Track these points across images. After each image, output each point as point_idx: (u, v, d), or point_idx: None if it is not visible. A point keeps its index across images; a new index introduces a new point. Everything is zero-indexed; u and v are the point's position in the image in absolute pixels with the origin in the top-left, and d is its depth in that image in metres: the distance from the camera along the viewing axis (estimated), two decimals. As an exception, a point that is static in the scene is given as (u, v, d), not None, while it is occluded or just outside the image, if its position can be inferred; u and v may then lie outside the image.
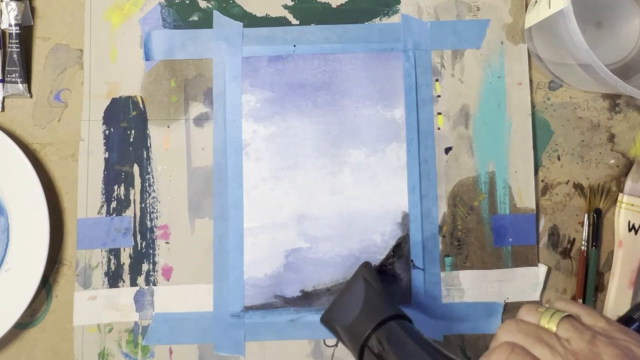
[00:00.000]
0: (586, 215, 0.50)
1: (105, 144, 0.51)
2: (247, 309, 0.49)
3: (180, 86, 0.51)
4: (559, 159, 0.51)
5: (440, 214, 0.50)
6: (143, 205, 0.50)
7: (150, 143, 0.51)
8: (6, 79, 0.50)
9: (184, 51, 0.52)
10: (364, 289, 0.42)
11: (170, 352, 0.49)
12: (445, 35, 0.52)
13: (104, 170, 0.51)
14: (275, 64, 0.51)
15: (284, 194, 0.50)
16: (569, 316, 0.34)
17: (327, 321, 0.44)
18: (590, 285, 0.50)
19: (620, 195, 0.50)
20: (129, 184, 0.51)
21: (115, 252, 0.50)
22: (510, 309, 0.49)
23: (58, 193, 0.51)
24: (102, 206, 0.50)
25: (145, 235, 0.50)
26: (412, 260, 0.50)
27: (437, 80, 0.51)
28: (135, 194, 0.51)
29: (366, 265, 0.44)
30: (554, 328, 0.33)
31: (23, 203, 0.49)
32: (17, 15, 0.50)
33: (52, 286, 0.50)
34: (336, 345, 0.49)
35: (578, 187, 0.51)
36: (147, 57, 0.51)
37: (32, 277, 0.48)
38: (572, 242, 0.51)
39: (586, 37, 0.41)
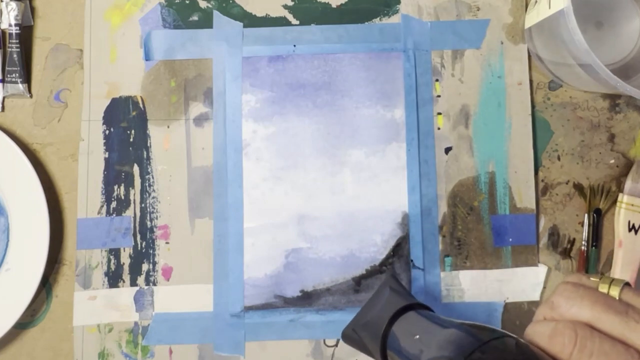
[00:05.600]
0: (586, 215, 0.50)
1: (105, 144, 0.51)
2: (247, 309, 0.49)
3: (180, 86, 0.51)
4: (559, 159, 0.51)
5: (440, 214, 0.50)
6: (143, 205, 0.50)
7: (150, 143, 0.51)
8: (6, 79, 0.51)
9: (184, 51, 0.52)
10: (388, 293, 0.40)
11: (170, 352, 0.49)
12: (445, 35, 0.52)
13: (104, 170, 0.51)
14: (275, 64, 0.51)
15: (284, 194, 0.50)
16: (628, 284, 0.31)
17: (348, 333, 0.41)
18: (590, 285, 0.50)
19: (620, 195, 0.50)
20: (129, 184, 0.51)
21: (115, 252, 0.50)
22: (510, 309, 0.49)
23: (58, 193, 0.51)
24: (102, 206, 0.50)
25: (145, 235, 0.50)
26: (412, 260, 0.50)
27: (437, 80, 0.51)
28: (135, 194, 0.51)
29: (392, 276, 0.42)
30: (616, 295, 0.31)
31: (23, 203, 0.49)
32: (17, 15, 0.50)
33: (52, 286, 0.50)
34: (336, 345, 0.49)
35: (578, 187, 0.51)
36: (147, 57, 0.51)
37: (32, 277, 0.48)
38: (572, 242, 0.51)
39: (586, 37, 0.41)
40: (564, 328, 0.30)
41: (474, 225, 0.50)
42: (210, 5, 0.52)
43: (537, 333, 0.31)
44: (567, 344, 0.30)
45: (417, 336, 0.35)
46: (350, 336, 0.40)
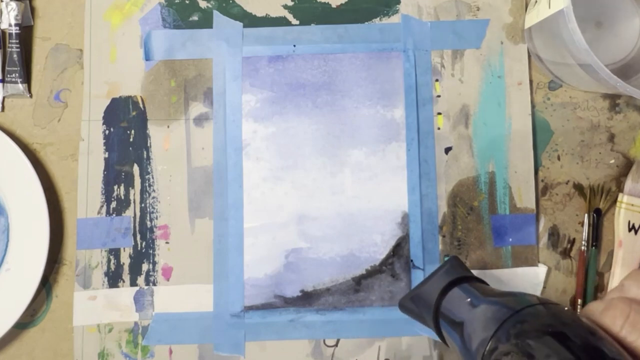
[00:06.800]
0: (586, 215, 0.50)
1: (105, 144, 0.51)
2: (247, 309, 0.49)
3: (180, 86, 0.51)
4: (559, 159, 0.51)
5: (440, 214, 0.50)
6: (143, 205, 0.50)
7: (150, 143, 0.51)
8: (6, 79, 0.51)
9: (184, 51, 0.52)
10: (447, 267, 0.41)
11: (170, 352, 0.49)
12: (445, 35, 0.52)
13: (104, 170, 0.51)
14: (275, 64, 0.51)
15: (284, 194, 0.50)
16: None
17: (404, 303, 0.42)
18: (590, 285, 0.50)
19: (620, 195, 0.50)
20: (129, 184, 0.51)
21: (115, 252, 0.50)
22: (510, 309, 0.49)
23: (58, 193, 0.51)
24: (102, 206, 0.50)
25: (145, 235, 0.50)
26: (412, 260, 0.50)
27: (437, 80, 0.51)
28: (135, 194, 0.51)
29: (455, 257, 0.42)
30: None
31: (23, 203, 0.49)
32: (17, 15, 0.50)
33: (52, 286, 0.50)
34: (336, 345, 0.49)
35: (578, 187, 0.51)
36: (147, 57, 0.51)
37: (32, 277, 0.48)
38: (572, 242, 0.51)
39: (586, 37, 0.41)
40: (618, 302, 0.29)
41: (474, 225, 0.50)
42: (210, 5, 0.52)
43: (592, 309, 0.31)
44: (619, 317, 0.29)
45: (463, 307, 0.37)
46: (407, 306, 0.42)
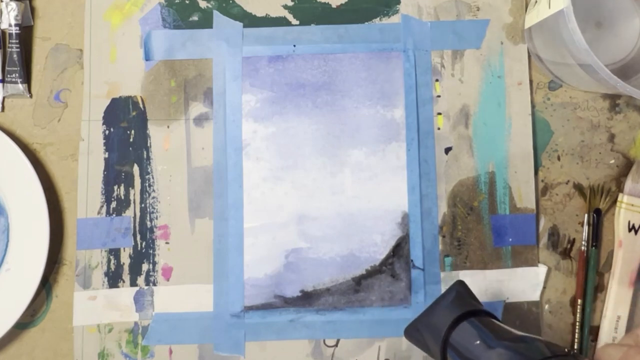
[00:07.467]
0: (586, 215, 0.50)
1: (105, 144, 0.51)
2: (247, 309, 0.49)
3: (180, 86, 0.51)
4: (559, 159, 0.51)
5: (440, 214, 0.50)
6: (143, 205, 0.50)
7: (150, 143, 0.51)
8: (6, 79, 0.51)
9: (184, 51, 0.52)
10: (454, 296, 0.40)
11: (170, 352, 0.49)
12: (445, 35, 0.52)
13: (104, 170, 0.51)
14: (275, 64, 0.51)
15: (284, 194, 0.50)
16: None
17: (411, 331, 0.41)
18: (590, 285, 0.50)
19: (620, 195, 0.50)
20: (129, 184, 0.51)
21: (115, 252, 0.50)
22: (510, 309, 0.49)
23: (58, 193, 0.51)
24: (102, 206, 0.50)
25: (145, 235, 0.50)
26: (412, 260, 0.50)
27: (437, 80, 0.51)
28: (135, 194, 0.51)
29: (460, 282, 0.42)
30: None
31: (23, 203, 0.49)
32: (17, 15, 0.50)
33: (52, 286, 0.50)
34: (336, 345, 0.49)
35: (578, 187, 0.51)
36: (147, 57, 0.51)
37: (32, 277, 0.48)
38: (572, 242, 0.51)
39: (586, 37, 0.41)
40: (635, 354, 0.30)
41: (474, 225, 0.50)
42: (210, 5, 0.52)
43: (607, 355, 0.31)
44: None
45: (474, 344, 0.37)
46: (413, 334, 0.41)
